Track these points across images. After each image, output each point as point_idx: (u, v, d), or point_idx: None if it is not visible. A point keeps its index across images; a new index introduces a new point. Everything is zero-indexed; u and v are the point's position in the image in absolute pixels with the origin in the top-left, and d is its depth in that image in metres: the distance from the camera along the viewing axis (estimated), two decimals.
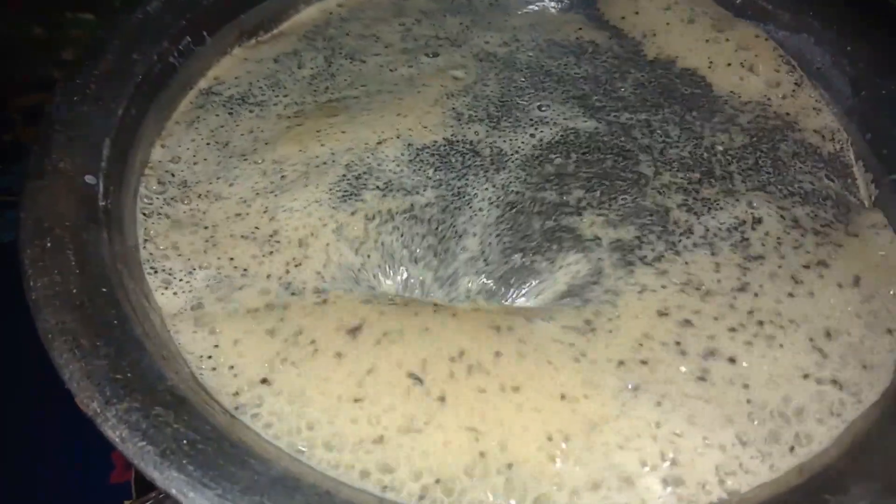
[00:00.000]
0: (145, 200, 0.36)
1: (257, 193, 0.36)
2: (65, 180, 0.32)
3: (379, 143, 0.38)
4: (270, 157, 0.37)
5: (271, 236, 0.35)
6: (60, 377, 0.27)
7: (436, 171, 0.37)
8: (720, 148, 0.39)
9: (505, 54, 0.44)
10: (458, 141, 0.39)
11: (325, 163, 0.37)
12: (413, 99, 0.40)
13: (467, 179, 0.37)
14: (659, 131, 0.40)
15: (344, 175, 0.37)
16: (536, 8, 0.47)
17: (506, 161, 0.38)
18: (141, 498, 0.29)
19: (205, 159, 0.38)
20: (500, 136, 0.39)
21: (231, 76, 0.42)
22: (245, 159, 0.38)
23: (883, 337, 0.32)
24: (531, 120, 0.40)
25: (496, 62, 0.43)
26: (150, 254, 0.34)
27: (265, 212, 0.35)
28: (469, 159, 0.38)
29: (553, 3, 0.47)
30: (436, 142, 0.39)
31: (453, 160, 0.38)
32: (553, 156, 0.38)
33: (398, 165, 0.37)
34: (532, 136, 0.39)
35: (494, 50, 0.44)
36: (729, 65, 0.43)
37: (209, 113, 0.40)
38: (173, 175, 0.37)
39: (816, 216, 0.36)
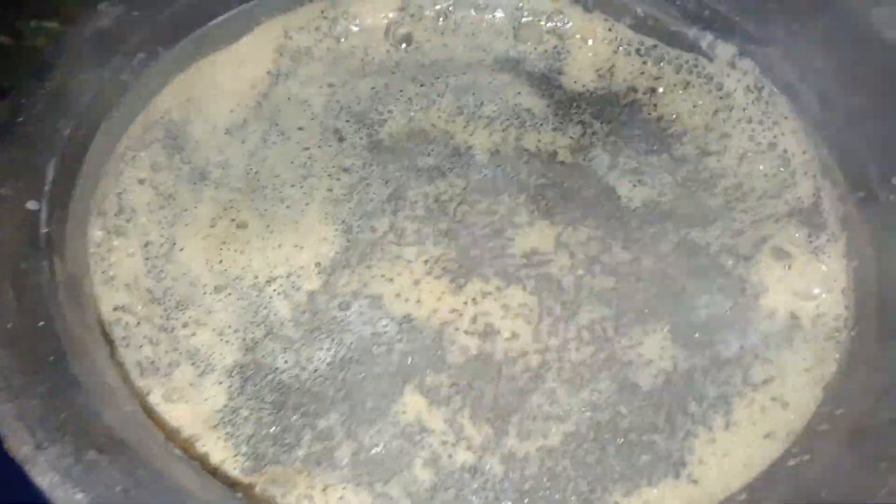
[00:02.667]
0: (96, 227, 0.35)
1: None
2: (6, 205, 0.31)
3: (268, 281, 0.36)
4: (182, 258, 0.36)
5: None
6: None
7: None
8: None
9: None
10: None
11: (222, 286, 0.35)
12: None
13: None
14: None
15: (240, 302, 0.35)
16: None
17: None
18: None
19: (147, 203, 0.37)
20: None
21: (181, 112, 0.41)
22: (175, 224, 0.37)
23: None
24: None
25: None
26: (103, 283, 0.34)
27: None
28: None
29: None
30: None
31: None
32: None
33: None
34: None
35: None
36: None
37: (154, 150, 0.39)
38: (121, 203, 0.37)
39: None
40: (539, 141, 0.41)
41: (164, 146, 0.39)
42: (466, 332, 0.35)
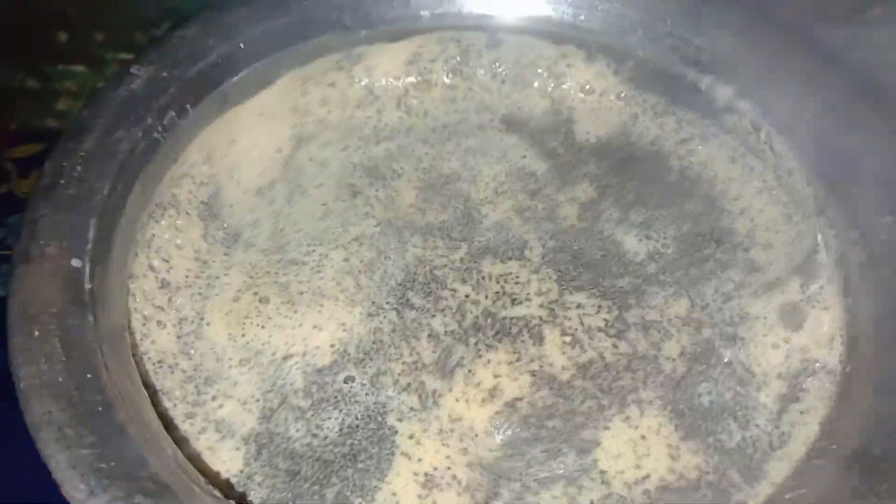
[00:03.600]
0: (133, 280, 0.38)
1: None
2: (51, 265, 0.34)
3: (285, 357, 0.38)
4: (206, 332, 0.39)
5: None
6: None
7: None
8: None
9: None
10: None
11: (245, 360, 0.38)
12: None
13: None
14: None
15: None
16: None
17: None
18: None
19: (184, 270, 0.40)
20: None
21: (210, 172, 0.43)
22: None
23: None
24: None
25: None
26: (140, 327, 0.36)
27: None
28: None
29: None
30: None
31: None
32: None
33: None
34: None
35: None
36: None
37: (185, 210, 0.42)
38: (157, 256, 0.39)
39: None
40: (545, 201, 0.43)
41: (196, 207, 0.42)
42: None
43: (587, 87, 0.48)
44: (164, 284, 0.39)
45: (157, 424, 0.32)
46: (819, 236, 0.40)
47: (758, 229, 0.42)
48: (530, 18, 0.48)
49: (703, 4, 0.46)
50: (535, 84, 0.48)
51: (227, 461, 0.34)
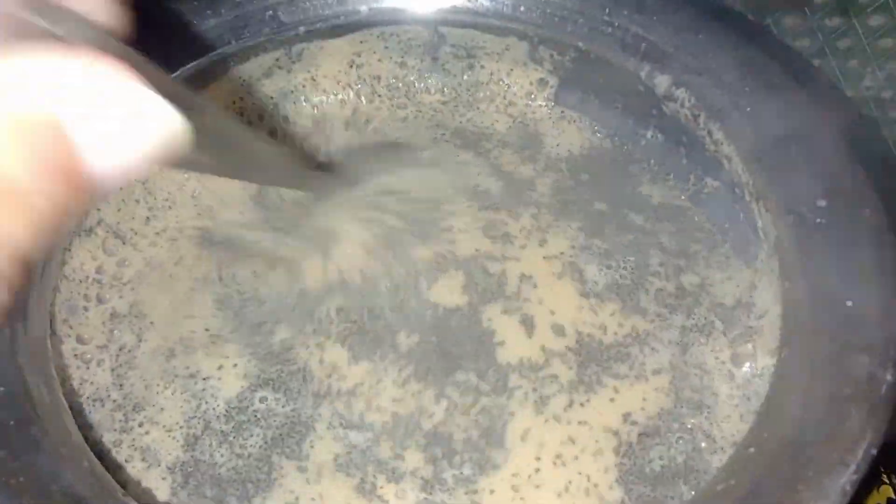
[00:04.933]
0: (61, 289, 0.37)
1: None
2: None
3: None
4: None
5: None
6: None
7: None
8: None
9: None
10: None
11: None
12: None
13: None
14: None
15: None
16: None
17: None
18: None
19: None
20: None
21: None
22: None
23: None
24: None
25: None
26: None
27: None
28: None
29: None
30: None
31: None
32: None
33: None
34: None
35: None
36: None
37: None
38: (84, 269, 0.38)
39: None
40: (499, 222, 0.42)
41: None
42: None
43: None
44: (89, 300, 0.38)
45: (77, 437, 0.31)
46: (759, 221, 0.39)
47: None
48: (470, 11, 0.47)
49: None
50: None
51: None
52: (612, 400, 0.36)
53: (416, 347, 0.37)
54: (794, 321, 0.34)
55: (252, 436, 0.35)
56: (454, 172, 0.44)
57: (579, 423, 0.35)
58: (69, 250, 0.39)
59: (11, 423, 0.29)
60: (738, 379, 0.36)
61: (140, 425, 0.35)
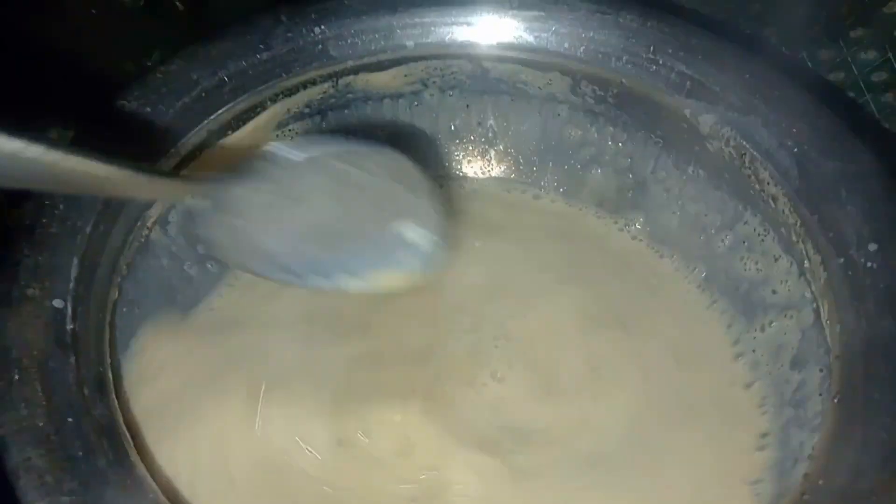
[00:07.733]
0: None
1: None
2: (32, 306, 0.34)
3: None
4: None
5: None
6: None
7: None
8: None
9: None
10: None
11: None
12: None
13: None
14: None
15: None
16: None
17: None
18: None
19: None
20: None
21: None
22: None
23: None
24: None
25: None
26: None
27: None
28: None
29: None
30: None
31: None
32: None
33: None
34: None
35: None
36: None
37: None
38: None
39: None
40: None
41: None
42: None
43: None
44: None
45: (141, 469, 0.32)
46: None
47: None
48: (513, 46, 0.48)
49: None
50: None
51: None
52: None
53: None
54: (848, 367, 0.34)
55: None
56: None
57: None
58: None
59: (80, 454, 0.29)
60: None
61: None
